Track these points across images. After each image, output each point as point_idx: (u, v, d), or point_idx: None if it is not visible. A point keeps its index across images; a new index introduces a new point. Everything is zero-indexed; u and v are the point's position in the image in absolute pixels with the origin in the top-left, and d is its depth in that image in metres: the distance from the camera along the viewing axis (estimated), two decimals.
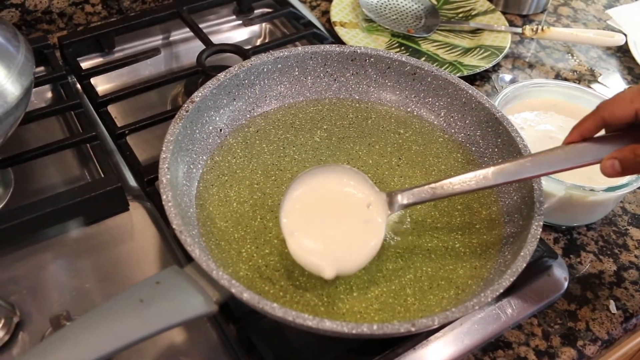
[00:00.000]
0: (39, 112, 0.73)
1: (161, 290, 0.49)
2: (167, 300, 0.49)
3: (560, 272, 0.67)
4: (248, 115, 0.70)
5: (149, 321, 0.47)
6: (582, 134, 0.56)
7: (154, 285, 0.49)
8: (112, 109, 0.79)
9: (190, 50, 0.92)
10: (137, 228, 0.68)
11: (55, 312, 0.56)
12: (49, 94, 0.84)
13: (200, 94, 0.63)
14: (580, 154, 0.55)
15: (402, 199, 0.57)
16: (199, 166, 0.64)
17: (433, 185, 0.57)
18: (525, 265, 0.53)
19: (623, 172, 0.53)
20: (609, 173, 0.54)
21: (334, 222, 0.56)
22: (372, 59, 0.71)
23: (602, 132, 0.57)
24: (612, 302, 0.66)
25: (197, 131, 0.64)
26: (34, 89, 0.81)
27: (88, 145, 0.72)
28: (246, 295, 0.48)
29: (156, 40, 0.92)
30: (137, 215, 0.69)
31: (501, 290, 0.51)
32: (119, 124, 0.75)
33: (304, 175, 0.57)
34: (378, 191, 0.57)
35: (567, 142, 0.56)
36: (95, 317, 0.46)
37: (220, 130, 0.67)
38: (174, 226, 0.52)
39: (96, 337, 0.45)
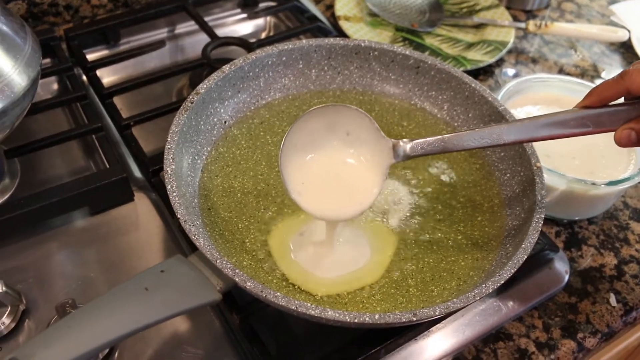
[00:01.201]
0: (46, 103, 0.74)
1: (166, 278, 0.50)
2: (172, 288, 0.49)
3: (561, 265, 0.67)
4: (252, 107, 0.70)
5: (153, 309, 0.47)
6: (601, 101, 0.53)
7: (158, 273, 0.50)
8: (117, 100, 0.80)
9: (195, 43, 0.93)
10: (142, 218, 0.69)
11: (60, 300, 0.56)
12: (55, 86, 0.84)
13: (205, 86, 0.64)
14: (595, 120, 0.53)
15: (407, 148, 0.54)
16: (204, 157, 0.64)
17: (443, 137, 0.54)
18: (526, 257, 0.53)
19: (638, 143, 0.51)
20: (623, 143, 0.52)
21: (333, 171, 0.56)
22: (376, 53, 0.72)
23: None
24: (612, 295, 0.66)
25: (202, 122, 0.65)
26: (40, 81, 0.82)
27: (94, 136, 0.73)
28: (249, 284, 0.49)
29: (161, 33, 0.92)
30: (142, 206, 0.70)
31: (502, 282, 0.51)
32: (124, 116, 0.75)
33: (307, 116, 0.54)
34: (383, 136, 0.54)
35: (583, 105, 0.54)
36: (100, 305, 0.47)
37: (225, 121, 0.68)
38: (178, 216, 0.53)
39: (101, 325, 0.45)
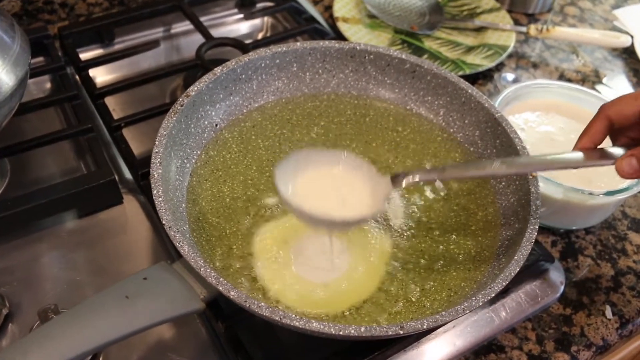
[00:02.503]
0: (36, 102, 0.73)
1: (148, 286, 0.49)
2: (153, 297, 0.48)
3: (556, 276, 0.66)
4: (244, 110, 0.69)
5: (134, 318, 0.46)
6: (593, 140, 0.54)
7: (141, 281, 0.49)
8: (111, 100, 0.79)
9: (191, 43, 0.91)
10: (131, 221, 0.68)
11: (43, 305, 0.56)
12: (48, 85, 0.84)
13: (196, 88, 0.63)
14: (594, 157, 0.53)
15: (408, 178, 0.55)
16: (193, 161, 0.63)
17: (443, 167, 0.56)
18: (518, 269, 0.52)
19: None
20: (626, 171, 0.51)
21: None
22: (371, 56, 0.70)
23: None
24: (608, 307, 0.65)
25: (192, 125, 0.64)
26: (34, 79, 0.81)
27: (84, 137, 0.72)
28: (233, 294, 0.48)
29: (157, 33, 0.91)
30: (131, 209, 0.69)
31: (493, 295, 0.50)
32: (117, 116, 0.74)
33: (302, 157, 0.55)
34: (381, 176, 0.56)
35: (578, 148, 0.55)
36: (79, 313, 0.46)
37: (216, 124, 0.66)
38: (163, 222, 0.52)
39: (78, 334, 0.44)
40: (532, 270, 0.65)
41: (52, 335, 0.44)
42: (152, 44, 0.84)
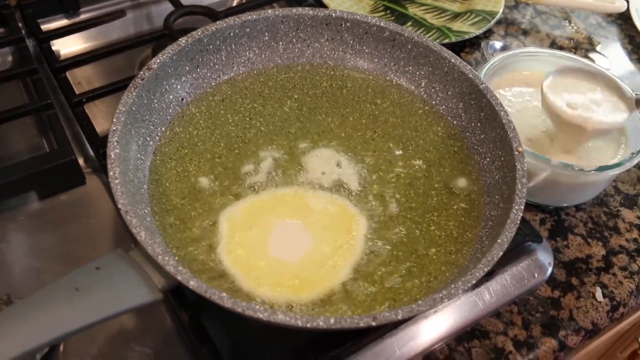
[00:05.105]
0: None
1: (101, 277, 0.45)
2: (106, 288, 0.45)
3: (544, 257, 0.62)
4: (213, 83, 0.65)
5: (84, 312, 0.43)
6: None
7: (93, 271, 0.45)
8: (77, 74, 0.75)
9: (162, 12, 0.86)
10: (94, 203, 0.64)
11: None
12: (10, 58, 0.79)
13: (158, 61, 0.58)
14: None
15: None
16: (157, 138, 0.59)
17: None
18: (502, 253, 0.48)
19: None
20: None
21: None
22: (348, 24, 0.66)
23: None
24: (598, 289, 0.62)
25: (156, 100, 0.59)
26: None
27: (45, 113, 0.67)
28: (193, 284, 0.44)
29: (125, 1, 0.86)
30: (94, 189, 0.65)
31: (474, 282, 0.46)
32: (84, 90, 0.70)
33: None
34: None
35: None
36: (23, 309, 0.42)
37: (182, 99, 0.62)
38: (119, 206, 0.48)
39: (23, 330, 0.41)
40: (518, 251, 0.61)
41: None
42: (118, 14, 0.79)
